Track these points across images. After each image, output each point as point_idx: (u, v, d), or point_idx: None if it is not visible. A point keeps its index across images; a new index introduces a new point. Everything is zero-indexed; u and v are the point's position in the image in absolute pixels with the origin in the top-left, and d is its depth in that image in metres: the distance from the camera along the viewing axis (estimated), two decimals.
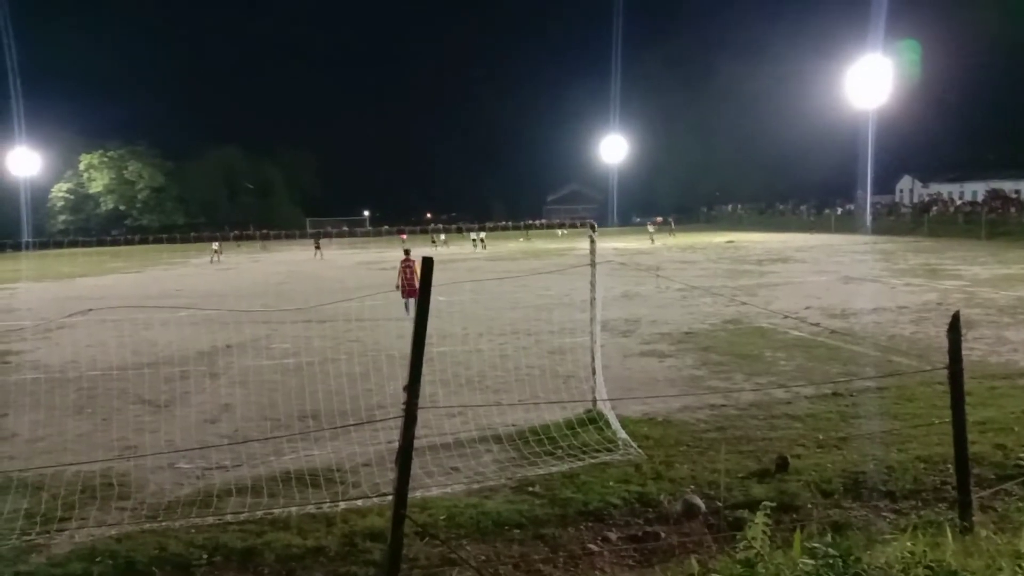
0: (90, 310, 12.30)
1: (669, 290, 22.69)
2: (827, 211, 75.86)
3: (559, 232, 68.79)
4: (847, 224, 64.99)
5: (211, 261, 46.76)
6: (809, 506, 6.50)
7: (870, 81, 62.50)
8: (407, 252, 18.80)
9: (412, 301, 18.01)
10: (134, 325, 16.36)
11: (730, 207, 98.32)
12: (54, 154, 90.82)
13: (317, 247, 52.66)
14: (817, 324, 15.80)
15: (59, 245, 72.20)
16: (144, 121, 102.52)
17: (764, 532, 3.73)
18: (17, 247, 67.55)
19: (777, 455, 7.44)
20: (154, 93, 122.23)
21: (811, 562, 3.47)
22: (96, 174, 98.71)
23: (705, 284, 24.46)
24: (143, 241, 60.18)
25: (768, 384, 10.95)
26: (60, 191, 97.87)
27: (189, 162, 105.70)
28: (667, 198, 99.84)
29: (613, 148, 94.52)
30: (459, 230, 65.44)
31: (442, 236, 57.82)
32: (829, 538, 4.03)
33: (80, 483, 7.35)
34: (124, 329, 15.29)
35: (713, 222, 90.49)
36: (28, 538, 6.20)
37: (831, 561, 3.43)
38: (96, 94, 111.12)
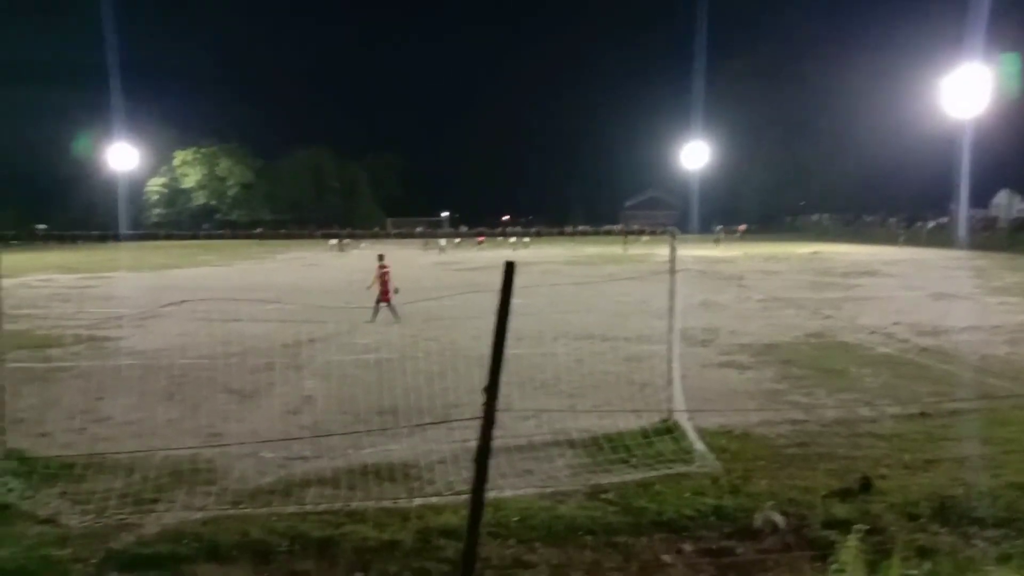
0: (183, 301, 12.79)
1: (750, 300, 22.26)
2: (918, 224, 73.21)
3: (511, 239, 57.95)
4: (939, 238, 62.46)
5: (338, 250, 53.34)
6: (893, 529, 6.28)
7: (967, 91, 59.75)
8: (381, 257, 18.75)
9: (384, 306, 18.24)
10: (223, 316, 16.91)
11: (816, 217, 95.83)
12: (151, 150, 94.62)
13: (341, 248, 52.89)
14: (906, 341, 15.27)
15: (154, 237, 75.18)
16: (237, 120, 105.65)
17: (857, 556, 3.62)
18: (116, 238, 70.58)
19: (860, 475, 7.22)
20: (247, 93, 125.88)
21: None
22: (189, 170, 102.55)
23: (788, 296, 23.88)
24: (235, 236, 62.25)
25: (852, 401, 10.63)
26: (155, 185, 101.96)
27: (278, 160, 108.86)
28: (750, 206, 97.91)
29: (695, 154, 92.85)
30: (536, 234, 64.90)
31: (526, 239, 57.74)
32: (929, 566, 3.87)
33: (169, 467, 7.66)
34: (214, 320, 15.82)
35: (798, 232, 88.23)
36: (120, 517, 6.49)
37: None
38: (192, 93, 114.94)
